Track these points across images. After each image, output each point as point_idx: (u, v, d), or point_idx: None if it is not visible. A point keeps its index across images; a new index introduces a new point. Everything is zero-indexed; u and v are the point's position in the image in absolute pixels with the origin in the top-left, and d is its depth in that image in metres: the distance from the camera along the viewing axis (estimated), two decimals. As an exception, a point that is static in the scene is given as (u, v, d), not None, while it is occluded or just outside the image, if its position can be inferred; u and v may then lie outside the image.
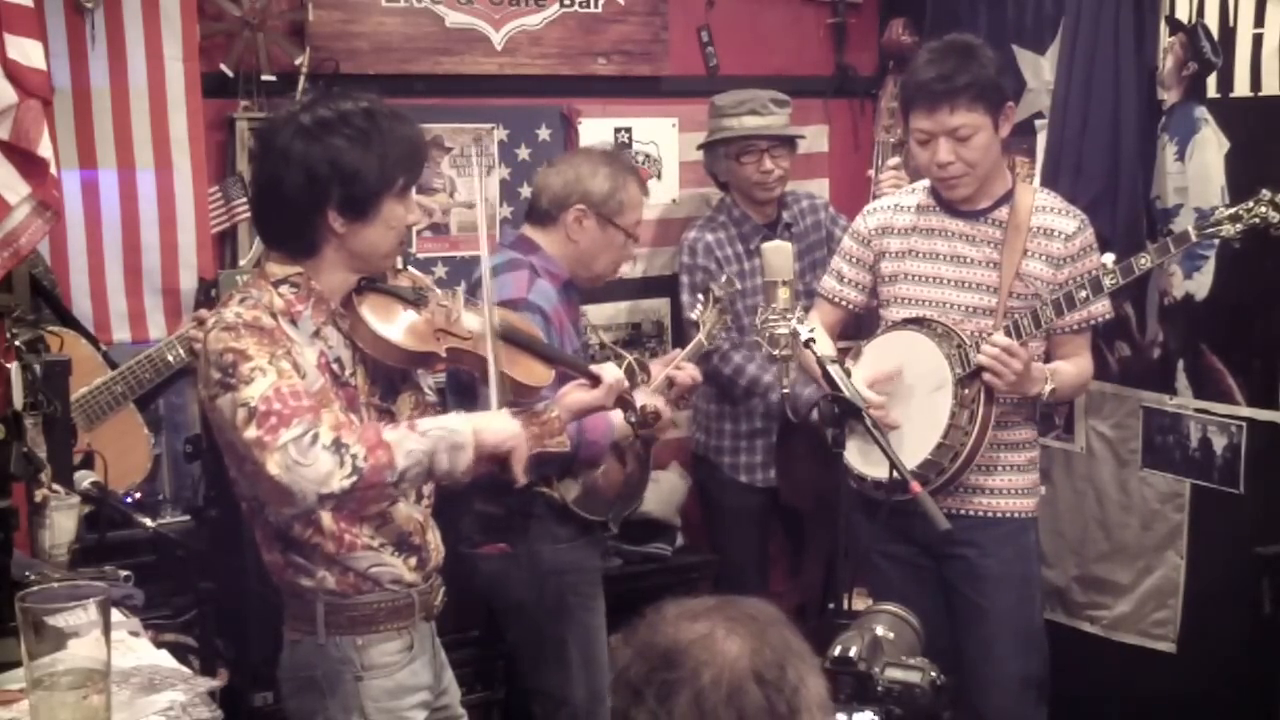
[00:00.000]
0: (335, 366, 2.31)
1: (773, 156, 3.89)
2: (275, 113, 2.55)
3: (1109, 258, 2.95)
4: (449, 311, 2.44)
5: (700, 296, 3.55)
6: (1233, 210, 2.86)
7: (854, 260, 3.25)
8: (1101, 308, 3.06)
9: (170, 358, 3.08)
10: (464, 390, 3.02)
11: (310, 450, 2.11)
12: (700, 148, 4.06)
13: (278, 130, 2.30)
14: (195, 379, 3.11)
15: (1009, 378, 2.91)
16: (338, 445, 2.13)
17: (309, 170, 2.24)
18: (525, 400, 2.51)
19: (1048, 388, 2.99)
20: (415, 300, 2.39)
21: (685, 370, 3.37)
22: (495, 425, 2.33)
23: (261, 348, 2.19)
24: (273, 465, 2.11)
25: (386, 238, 2.32)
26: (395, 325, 2.33)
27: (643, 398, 3.24)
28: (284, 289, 2.29)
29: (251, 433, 2.12)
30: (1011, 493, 3.12)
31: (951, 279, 3.09)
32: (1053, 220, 3.05)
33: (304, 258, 2.31)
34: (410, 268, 2.53)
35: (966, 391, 2.97)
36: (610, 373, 2.75)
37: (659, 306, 4.32)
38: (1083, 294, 2.93)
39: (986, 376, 2.93)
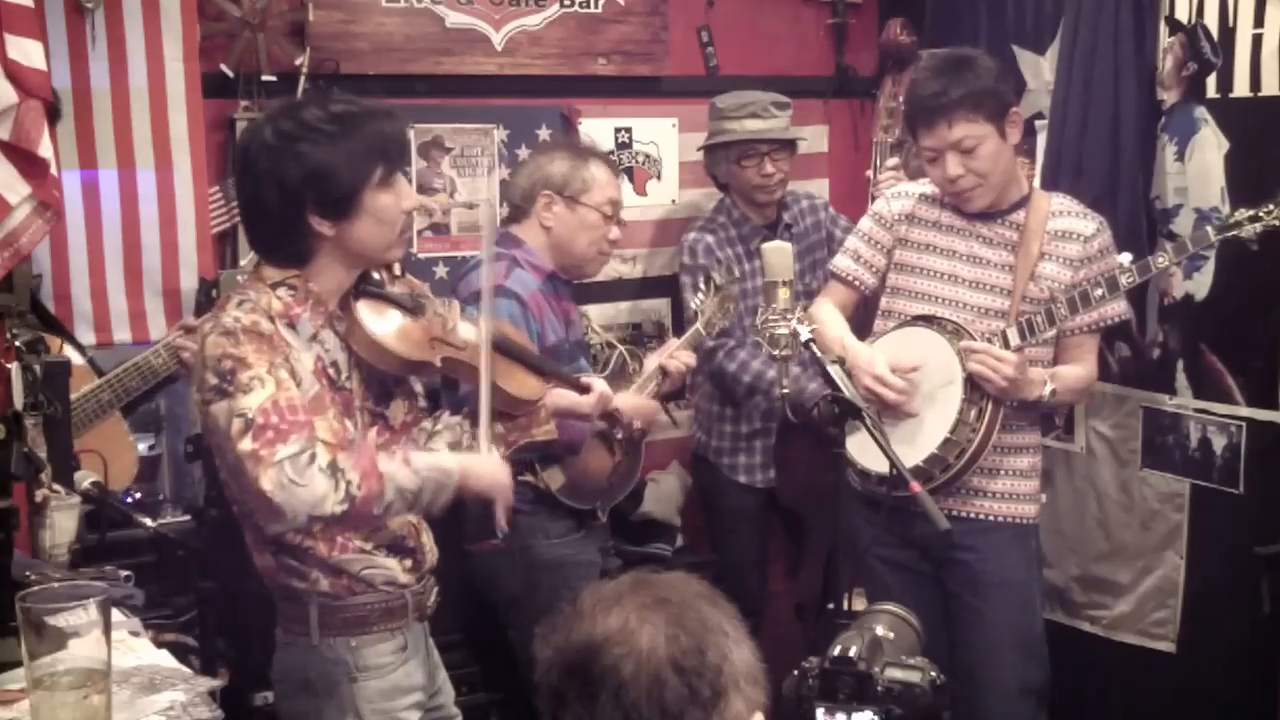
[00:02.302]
0: (331, 371, 2.31)
1: (773, 160, 3.89)
2: (246, 129, 2.55)
3: (1126, 257, 2.95)
4: (445, 320, 2.44)
5: (702, 285, 3.57)
6: (1253, 211, 2.87)
7: (872, 242, 3.24)
8: (1116, 309, 3.06)
9: (157, 365, 3.06)
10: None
11: (307, 471, 2.11)
12: (701, 149, 4.07)
13: (247, 147, 2.31)
14: (186, 383, 3.11)
15: (999, 383, 2.91)
16: (334, 469, 2.13)
17: (279, 181, 2.23)
18: (516, 413, 2.51)
19: (1048, 389, 2.99)
20: (412, 308, 2.39)
21: (678, 358, 3.40)
22: (484, 470, 2.35)
23: (260, 355, 2.18)
24: (266, 482, 2.09)
25: (380, 230, 2.30)
26: (391, 332, 2.33)
27: (628, 398, 3.27)
28: (281, 291, 2.29)
29: (247, 445, 2.11)
30: (1013, 498, 3.11)
31: (967, 278, 3.09)
32: (1071, 223, 3.05)
33: (300, 265, 2.30)
34: (408, 274, 2.53)
35: (975, 388, 2.97)
36: (600, 385, 2.80)
37: (659, 306, 4.32)
38: (1098, 292, 2.93)
39: (979, 382, 2.93)
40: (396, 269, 2.47)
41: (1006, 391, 2.95)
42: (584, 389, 2.91)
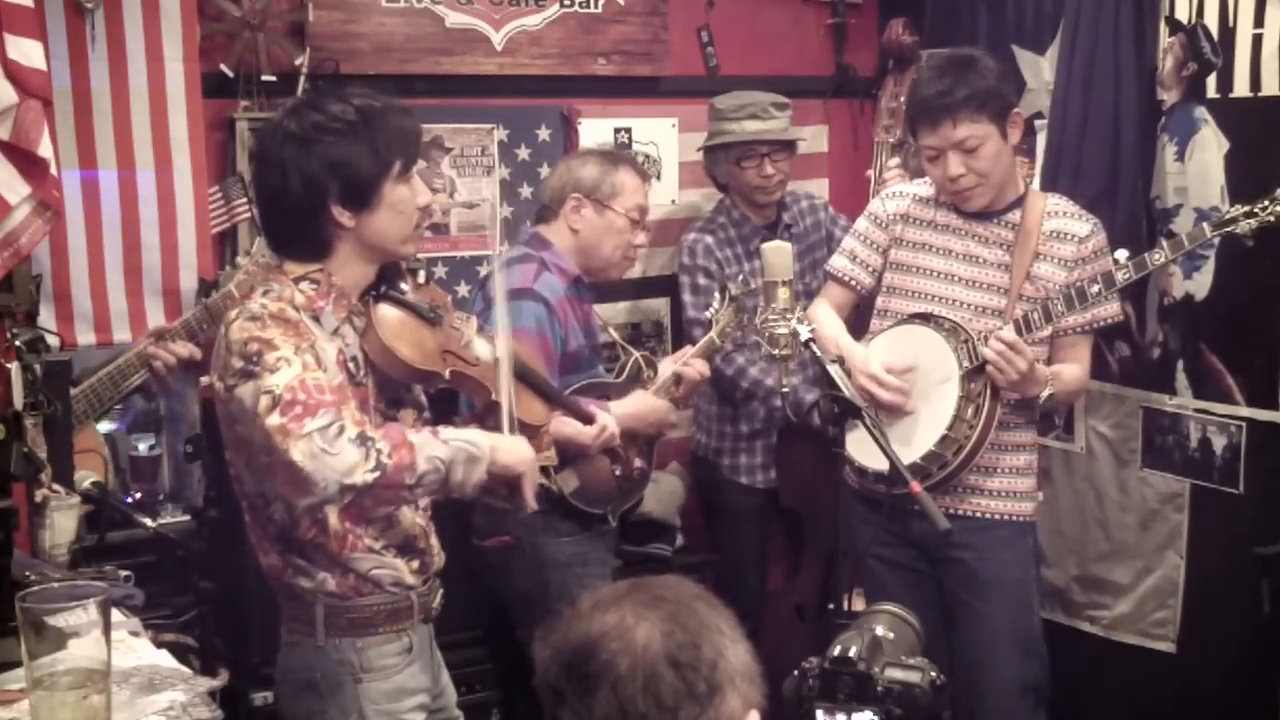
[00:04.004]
0: (351, 365, 2.32)
1: (773, 161, 3.89)
2: (267, 123, 2.57)
3: (1122, 253, 2.95)
4: (461, 335, 2.47)
5: (716, 295, 3.58)
6: (1248, 207, 2.87)
7: (868, 242, 3.24)
8: (1110, 310, 3.06)
9: (129, 373, 3.02)
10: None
11: (337, 440, 2.11)
12: (700, 150, 4.07)
13: (268, 140, 2.32)
14: (188, 377, 3.10)
15: (1011, 375, 2.91)
16: (363, 439, 2.14)
17: (304, 173, 2.25)
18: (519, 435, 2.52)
19: (1046, 391, 2.99)
20: (430, 318, 2.40)
21: (694, 366, 3.44)
22: (511, 447, 2.35)
23: (287, 339, 2.19)
24: (297, 452, 2.10)
25: (397, 222, 2.32)
26: (404, 339, 2.34)
27: (643, 399, 3.29)
28: (304, 285, 2.30)
29: (275, 419, 2.12)
30: (1010, 495, 3.12)
31: (963, 277, 3.09)
32: (1066, 224, 3.05)
33: (320, 259, 2.32)
34: (433, 284, 2.54)
35: (973, 385, 2.97)
36: (604, 419, 2.82)
37: (658, 306, 4.32)
38: (1095, 288, 2.94)
39: (990, 371, 2.93)
40: (420, 277, 2.49)
41: (1016, 386, 2.95)
42: (588, 419, 2.93)
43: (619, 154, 3.55)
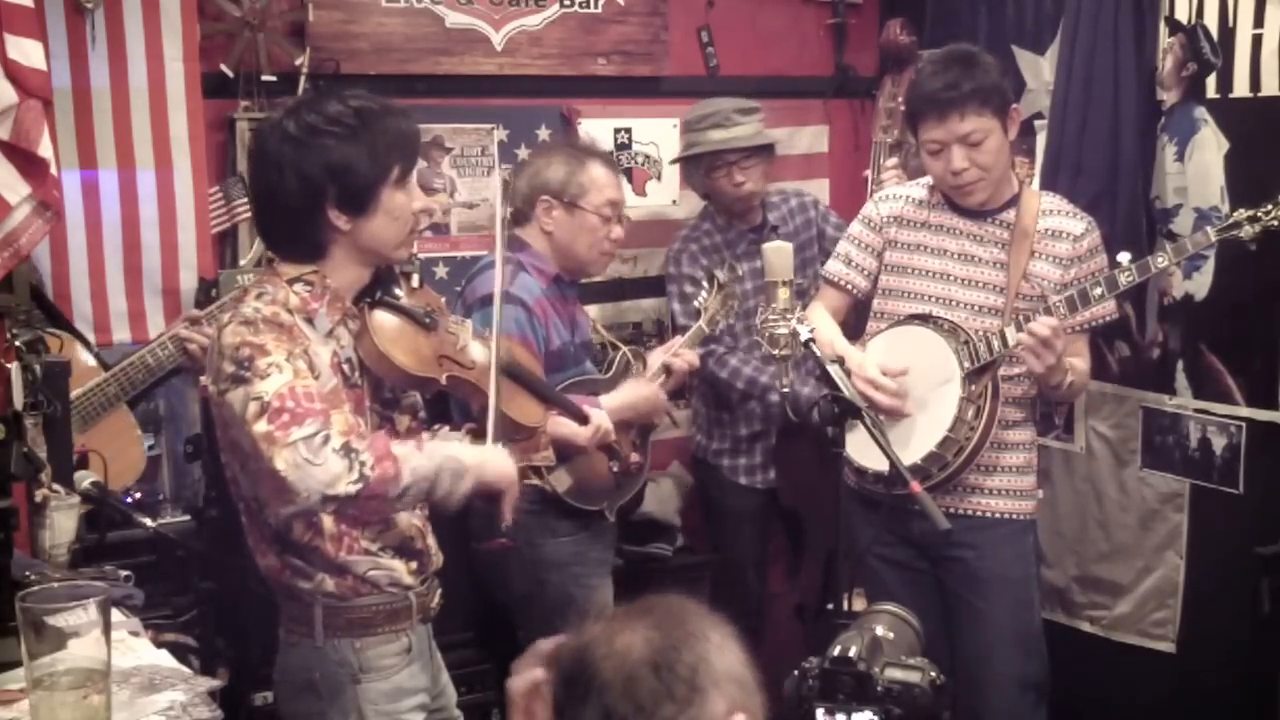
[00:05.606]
0: (346, 367, 2.32)
1: (742, 168, 3.82)
2: (265, 121, 2.56)
3: (1125, 256, 2.95)
4: (456, 339, 2.45)
5: (704, 284, 3.56)
6: (1252, 211, 2.87)
7: (862, 245, 3.24)
8: (1107, 308, 3.07)
9: (162, 357, 3.06)
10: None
11: (321, 450, 2.11)
12: (673, 163, 4.04)
13: (266, 139, 2.31)
14: (189, 377, 3.11)
15: (1049, 360, 2.89)
16: (347, 449, 2.13)
17: (301, 174, 2.24)
18: (516, 437, 2.52)
19: (1067, 379, 3.00)
20: (426, 323, 2.39)
21: (682, 356, 3.43)
22: (496, 462, 2.35)
23: (280, 344, 2.19)
24: (280, 461, 2.10)
25: (392, 228, 2.31)
26: (400, 345, 2.33)
27: (635, 388, 3.28)
28: (299, 287, 2.29)
29: (262, 427, 2.12)
30: (1010, 494, 3.12)
31: (959, 277, 3.09)
32: (1061, 222, 3.06)
33: (314, 260, 2.31)
34: (427, 287, 2.53)
35: (974, 386, 2.97)
36: (599, 418, 2.81)
37: (659, 306, 4.32)
38: (1098, 291, 2.94)
39: (1024, 354, 2.89)
40: (415, 280, 2.46)
41: (1044, 374, 2.94)
42: (584, 419, 2.94)
43: (585, 149, 3.47)
